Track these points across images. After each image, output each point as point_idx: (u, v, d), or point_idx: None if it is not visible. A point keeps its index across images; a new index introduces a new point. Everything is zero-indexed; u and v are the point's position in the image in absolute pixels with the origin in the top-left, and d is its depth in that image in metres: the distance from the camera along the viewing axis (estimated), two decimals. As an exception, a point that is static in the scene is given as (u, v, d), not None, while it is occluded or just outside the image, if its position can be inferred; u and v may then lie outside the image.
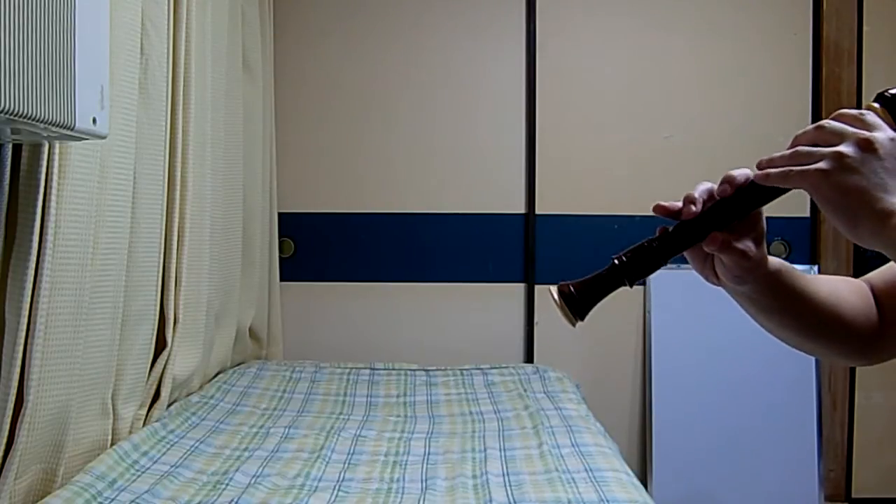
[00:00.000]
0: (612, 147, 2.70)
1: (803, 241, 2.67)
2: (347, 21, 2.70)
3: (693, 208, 0.72)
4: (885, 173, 0.63)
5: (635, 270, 0.73)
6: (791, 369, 2.55)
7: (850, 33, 2.64)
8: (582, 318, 0.73)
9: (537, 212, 2.69)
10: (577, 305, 0.73)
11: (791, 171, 0.66)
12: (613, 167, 2.70)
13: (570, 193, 2.70)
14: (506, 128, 2.71)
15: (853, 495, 2.65)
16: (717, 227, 0.71)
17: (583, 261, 2.65)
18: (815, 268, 2.63)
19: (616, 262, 0.74)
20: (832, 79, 2.64)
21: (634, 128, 2.70)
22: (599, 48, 2.72)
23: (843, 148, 0.64)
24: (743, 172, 0.72)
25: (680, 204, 0.73)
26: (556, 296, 0.73)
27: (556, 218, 2.69)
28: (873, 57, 2.63)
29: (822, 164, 0.64)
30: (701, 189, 0.73)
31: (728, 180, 0.72)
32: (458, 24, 2.70)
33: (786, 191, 0.70)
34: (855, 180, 0.63)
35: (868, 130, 0.65)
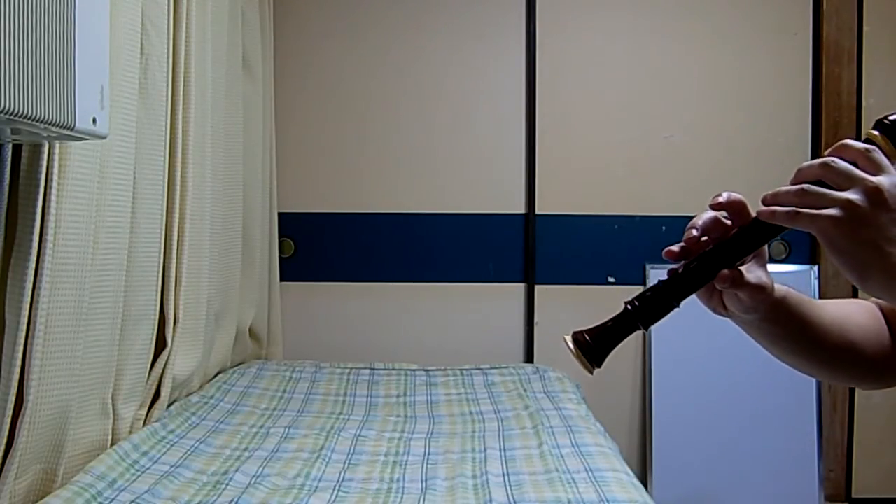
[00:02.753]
0: (612, 147, 2.70)
1: (803, 241, 2.67)
2: (347, 21, 2.70)
3: (694, 232, 0.72)
4: (894, 225, 0.62)
5: (648, 315, 0.73)
6: (791, 370, 2.55)
7: (850, 33, 2.64)
8: (599, 366, 0.73)
9: (537, 212, 2.69)
10: (593, 353, 0.72)
11: (799, 212, 0.64)
12: (613, 167, 2.69)
13: (570, 193, 2.70)
14: (506, 128, 2.71)
15: (853, 495, 2.65)
16: (726, 265, 0.71)
17: (583, 261, 2.67)
18: (815, 268, 2.63)
19: (629, 307, 0.74)
20: (832, 79, 2.64)
21: (634, 128, 2.70)
22: (599, 48, 2.72)
23: (853, 196, 0.63)
24: (708, 215, 0.73)
25: (677, 249, 0.73)
26: (571, 345, 0.73)
27: (556, 218, 2.69)
28: (873, 57, 2.63)
29: (832, 212, 0.63)
30: (705, 217, 0.73)
31: (692, 226, 0.72)
32: (458, 25, 2.70)
33: (789, 227, 0.69)
34: (866, 233, 0.62)
35: (875, 172, 0.64)
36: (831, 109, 2.63)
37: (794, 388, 2.59)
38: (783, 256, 2.66)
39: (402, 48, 2.71)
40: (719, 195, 0.72)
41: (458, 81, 2.71)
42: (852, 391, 2.65)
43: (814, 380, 2.59)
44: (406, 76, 2.71)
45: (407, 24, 2.70)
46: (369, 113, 2.71)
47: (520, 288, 2.71)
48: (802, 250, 2.67)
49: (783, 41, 2.69)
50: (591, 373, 0.74)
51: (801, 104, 2.67)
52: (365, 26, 2.70)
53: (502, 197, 2.71)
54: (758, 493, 2.57)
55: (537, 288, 2.69)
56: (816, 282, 2.61)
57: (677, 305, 0.73)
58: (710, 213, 0.73)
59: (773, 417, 2.59)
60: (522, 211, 2.70)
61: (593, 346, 0.72)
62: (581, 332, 0.73)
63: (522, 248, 2.71)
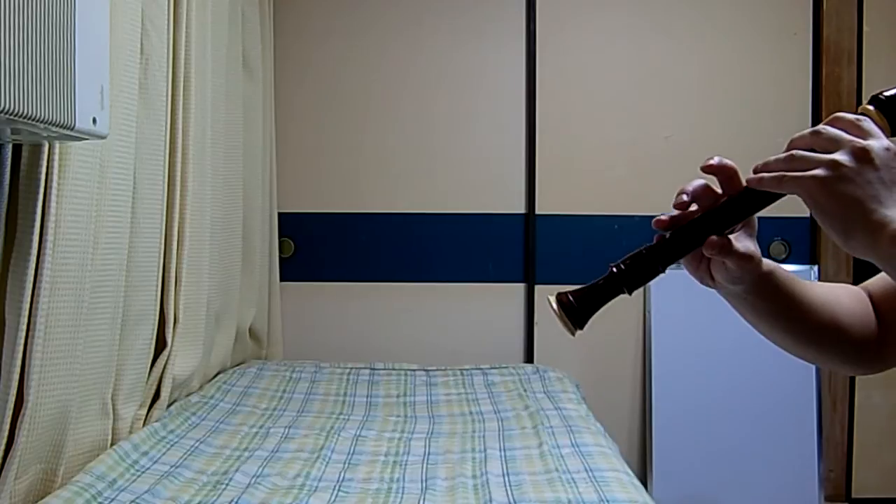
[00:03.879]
0: (612, 147, 2.70)
1: (803, 241, 2.67)
2: (347, 21, 2.70)
3: (684, 197, 0.72)
4: (880, 184, 0.62)
5: (634, 278, 0.73)
6: (791, 369, 2.55)
7: (850, 33, 2.64)
8: (581, 328, 0.73)
9: (537, 212, 2.69)
10: (575, 315, 0.72)
11: (785, 175, 0.65)
12: (613, 167, 2.69)
13: (570, 193, 2.70)
14: (506, 128, 2.71)
15: (853, 495, 2.65)
16: (715, 232, 0.71)
17: (583, 261, 2.68)
18: (815, 268, 2.63)
19: (614, 269, 0.73)
20: (832, 79, 2.64)
21: (634, 128, 2.70)
22: (600, 48, 2.72)
23: (838, 156, 0.63)
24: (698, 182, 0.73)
25: (676, 212, 0.73)
26: (554, 305, 0.73)
27: (556, 218, 2.69)
28: (873, 57, 2.63)
29: (817, 172, 0.63)
30: (696, 183, 0.73)
31: (682, 192, 0.73)
32: (458, 24, 2.70)
33: (781, 196, 0.69)
34: (850, 190, 0.62)
35: (864, 138, 0.64)
36: (831, 109, 2.61)
37: (795, 389, 2.59)
38: (783, 256, 2.66)
39: (401, 48, 2.71)
40: (711, 158, 0.73)
41: (458, 81, 2.71)
42: (852, 391, 2.65)
43: (814, 380, 2.59)
44: (406, 76, 2.71)
45: (407, 24, 2.70)
46: (369, 113, 2.71)
47: (520, 288, 2.71)
48: (802, 250, 2.67)
49: (783, 41, 2.69)
50: (573, 334, 0.73)
51: (801, 104, 2.67)
52: (365, 26, 2.70)
53: (502, 197, 2.71)
54: (758, 493, 2.57)
55: (537, 288, 2.69)
56: (816, 281, 2.61)
57: (663, 271, 0.73)
58: (701, 181, 0.73)
59: (773, 417, 2.59)
60: (522, 211, 2.70)
61: (577, 308, 0.72)
62: (565, 293, 0.73)
63: (522, 248, 2.71)
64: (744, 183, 0.71)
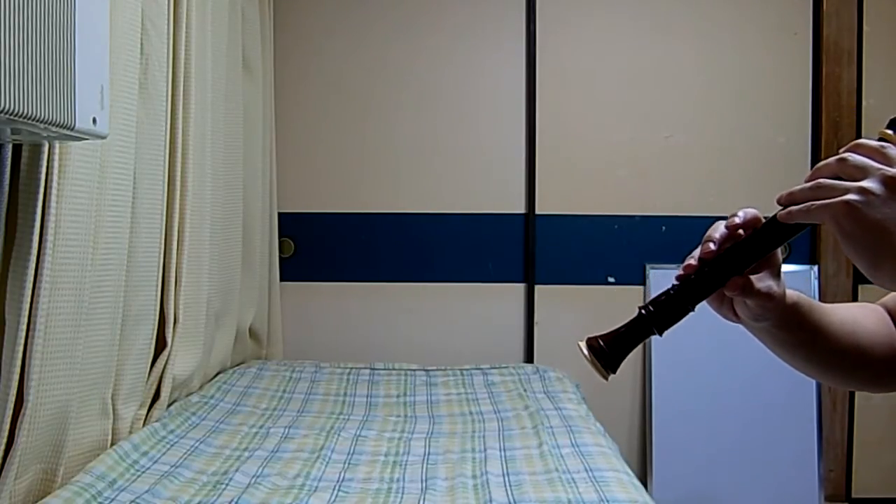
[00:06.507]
0: (612, 147, 2.70)
1: (803, 241, 2.66)
2: (347, 20, 2.70)
3: (711, 246, 0.71)
4: None
5: (663, 319, 0.73)
6: (791, 369, 2.55)
7: (850, 33, 2.64)
8: (614, 371, 0.72)
9: (537, 212, 2.69)
10: (607, 359, 0.72)
11: (813, 205, 0.64)
12: (613, 167, 2.69)
13: (570, 193, 2.70)
14: (506, 128, 2.71)
15: (853, 495, 2.65)
16: (739, 270, 0.71)
17: (583, 261, 2.68)
18: (815, 268, 2.63)
19: (643, 311, 0.73)
20: (832, 79, 2.64)
21: (634, 128, 2.70)
22: (599, 48, 2.72)
23: (867, 183, 0.62)
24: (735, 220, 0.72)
25: (695, 263, 0.72)
26: (585, 351, 0.72)
27: (556, 218, 2.69)
28: (873, 57, 2.63)
29: (847, 198, 0.62)
30: (720, 230, 0.72)
31: (709, 239, 0.72)
32: (458, 24, 2.71)
33: (805, 227, 0.69)
34: (879, 218, 0.61)
35: (891, 165, 0.63)
36: (831, 109, 2.63)
37: (794, 389, 2.59)
38: (783, 257, 2.65)
39: (402, 48, 2.71)
40: (735, 216, 0.72)
41: (458, 81, 2.71)
42: (852, 391, 2.65)
43: (814, 380, 2.59)
44: (406, 76, 2.71)
45: (407, 24, 2.70)
46: (369, 113, 2.71)
47: (520, 288, 2.71)
48: (802, 250, 2.67)
49: (783, 41, 2.69)
50: (606, 379, 0.73)
51: (801, 104, 2.67)
52: (365, 26, 2.70)
53: (502, 197, 2.71)
54: (758, 493, 2.57)
55: (537, 288, 2.69)
56: (816, 282, 2.61)
57: (692, 309, 0.73)
58: (725, 229, 0.73)
59: (773, 417, 2.59)
60: (522, 211, 2.70)
61: (608, 353, 0.72)
62: (595, 337, 0.73)
63: (522, 248, 2.71)
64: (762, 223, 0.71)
